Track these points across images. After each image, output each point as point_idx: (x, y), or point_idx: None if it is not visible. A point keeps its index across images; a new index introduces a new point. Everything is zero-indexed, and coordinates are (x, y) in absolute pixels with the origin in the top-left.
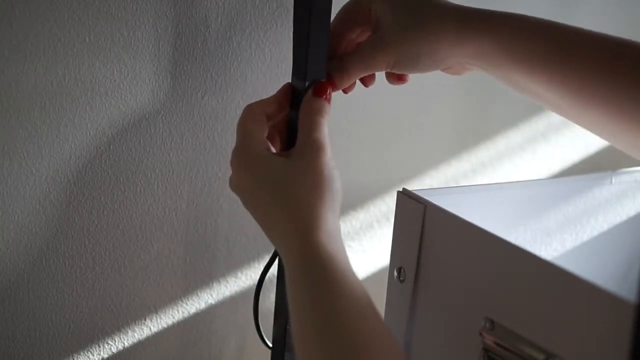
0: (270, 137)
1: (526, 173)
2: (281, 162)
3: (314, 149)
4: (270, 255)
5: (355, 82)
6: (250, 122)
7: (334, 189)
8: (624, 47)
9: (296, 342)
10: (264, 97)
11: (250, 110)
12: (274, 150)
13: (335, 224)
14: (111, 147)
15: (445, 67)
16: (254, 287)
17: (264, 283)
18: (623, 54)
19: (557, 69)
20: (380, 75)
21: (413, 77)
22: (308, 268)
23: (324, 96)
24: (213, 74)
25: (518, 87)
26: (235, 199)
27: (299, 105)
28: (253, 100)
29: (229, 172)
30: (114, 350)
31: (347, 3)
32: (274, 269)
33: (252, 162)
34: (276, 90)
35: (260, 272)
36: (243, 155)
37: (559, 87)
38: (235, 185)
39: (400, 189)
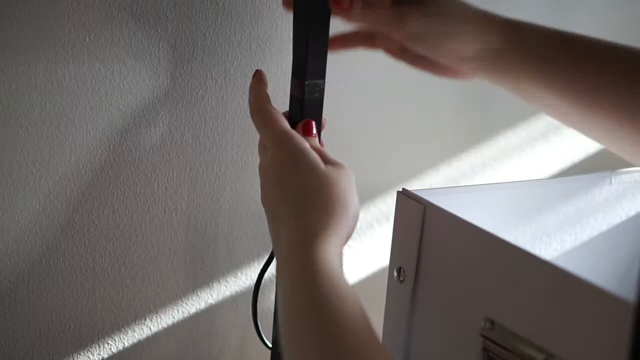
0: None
1: (526, 173)
2: (323, 169)
3: (345, 169)
4: (269, 254)
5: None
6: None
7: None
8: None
9: (287, 347)
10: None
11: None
12: None
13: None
14: (111, 147)
15: (460, 55)
16: None
17: (264, 283)
18: None
19: (569, 72)
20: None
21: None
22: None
23: (310, 135)
24: (213, 74)
25: (519, 88)
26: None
27: (300, 113)
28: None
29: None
30: (114, 350)
31: None
32: (272, 268)
33: (305, 163)
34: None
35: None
36: (300, 156)
37: (568, 93)
38: (276, 179)
39: (400, 189)
